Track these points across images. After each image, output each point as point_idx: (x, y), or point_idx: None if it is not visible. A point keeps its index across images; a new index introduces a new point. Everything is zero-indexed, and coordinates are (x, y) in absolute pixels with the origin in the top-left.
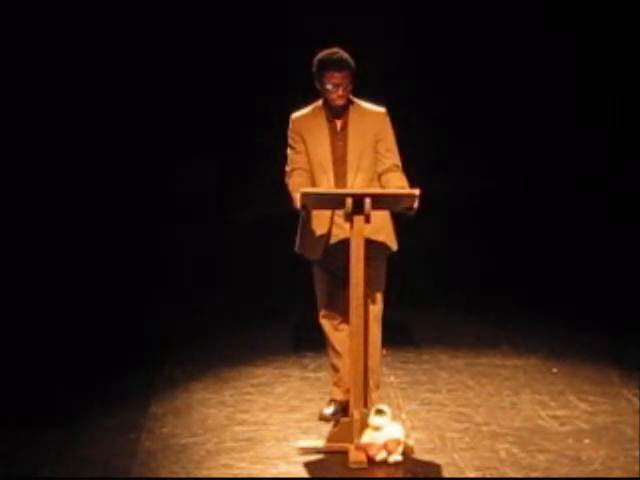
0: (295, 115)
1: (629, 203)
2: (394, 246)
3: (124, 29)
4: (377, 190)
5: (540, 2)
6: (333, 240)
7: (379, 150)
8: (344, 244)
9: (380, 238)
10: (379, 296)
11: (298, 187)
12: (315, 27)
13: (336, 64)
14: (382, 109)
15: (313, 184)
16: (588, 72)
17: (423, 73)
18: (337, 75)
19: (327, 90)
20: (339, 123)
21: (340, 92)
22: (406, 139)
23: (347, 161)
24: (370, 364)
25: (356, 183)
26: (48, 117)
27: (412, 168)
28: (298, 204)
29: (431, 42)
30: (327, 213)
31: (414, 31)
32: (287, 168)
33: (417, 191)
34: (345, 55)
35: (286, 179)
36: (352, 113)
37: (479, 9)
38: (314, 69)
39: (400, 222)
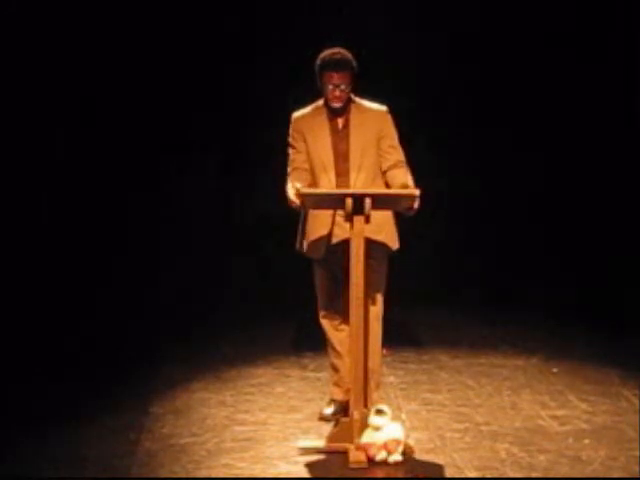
0: (296, 114)
1: (630, 204)
2: (394, 245)
3: (122, 28)
4: (377, 190)
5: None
6: (335, 240)
7: (382, 147)
8: (345, 244)
9: (380, 238)
10: (380, 296)
11: (294, 185)
12: (316, 26)
13: (336, 64)
14: (383, 107)
15: (314, 183)
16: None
17: (424, 73)
18: (336, 75)
19: (326, 90)
20: (340, 122)
21: (337, 93)
22: (407, 138)
23: (349, 159)
24: (370, 364)
25: (359, 182)
26: (43, 116)
27: (413, 168)
28: (293, 199)
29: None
30: (329, 212)
31: (414, 31)
32: (288, 169)
33: (417, 191)
34: (346, 56)
35: (288, 179)
36: (353, 112)
37: (481, 9)
38: (315, 68)
39: (401, 221)
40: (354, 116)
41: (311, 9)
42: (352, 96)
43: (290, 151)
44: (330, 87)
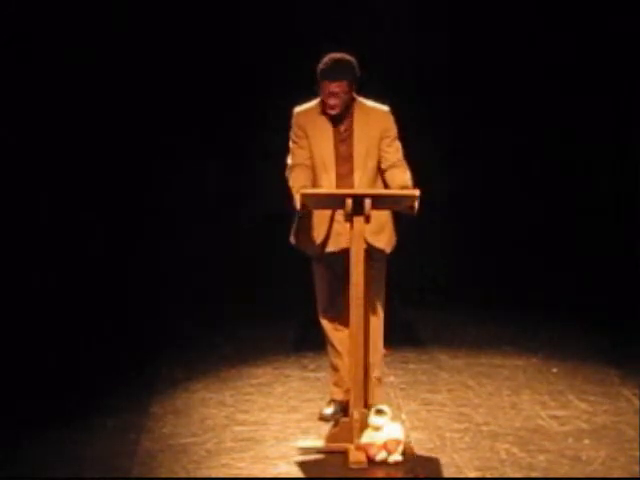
0: (298, 109)
1: (631, 205)
2: (390, 249)
3: (122, 27)
4: (377, 191)
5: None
6: (333, 238)
7: (382, 147)
8: (344, 242)
9: (379, 245)
10: (380, 296)
11: (299, 187)
12: (317, 26)
13: (332, 74)
14: (386, 108)
15: (314, 181)
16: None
17: (424, 73)
18: (331, 85)
19: (323, 98)
20: (344, 122)
21: (331, 102)
22: (408, 139)
23: (353, 160)
24: (372, 360)
25: (363, 182)
26: (42, 117)
27: (414, 167)
28: (298, 205)
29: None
30: (327, 217)
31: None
32: (289, 161)
33: (417, 191)
34: (345, 64)
35: (287, 173)
36: (357, 112)
37: (481, 9)
38: (316, 75)
39: (401, 221)
40: (358, 117)
41: (313, 9)
42: (355, 96)
43: (292, 146)
44: (325, 95)
